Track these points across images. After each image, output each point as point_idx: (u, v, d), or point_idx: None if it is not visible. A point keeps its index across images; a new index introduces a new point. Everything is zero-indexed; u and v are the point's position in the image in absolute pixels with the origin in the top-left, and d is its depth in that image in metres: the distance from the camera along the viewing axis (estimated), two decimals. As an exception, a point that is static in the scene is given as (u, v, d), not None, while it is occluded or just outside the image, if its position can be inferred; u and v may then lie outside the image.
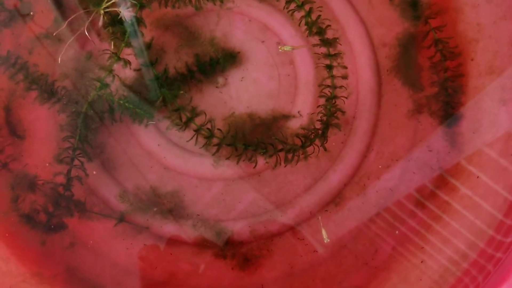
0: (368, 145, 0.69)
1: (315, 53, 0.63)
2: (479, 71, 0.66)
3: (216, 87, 0.69)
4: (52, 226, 0.61)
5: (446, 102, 0.68)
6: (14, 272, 0.59)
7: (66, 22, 0.61)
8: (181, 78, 0.67)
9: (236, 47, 0.70)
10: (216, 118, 0.66)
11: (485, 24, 0.66)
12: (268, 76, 0.70)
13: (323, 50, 0.60)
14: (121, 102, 0.62)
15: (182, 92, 0.64)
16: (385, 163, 0.68)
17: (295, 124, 0.69)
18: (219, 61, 0.69)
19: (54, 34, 0.62)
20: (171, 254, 0.65)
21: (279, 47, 0.64)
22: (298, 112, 0.69)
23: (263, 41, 0.71)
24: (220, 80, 0.69)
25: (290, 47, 0.63)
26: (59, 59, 0.61)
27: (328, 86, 0.60)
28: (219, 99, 0.69)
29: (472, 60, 0.67)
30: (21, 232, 0.61)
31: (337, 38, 0.61)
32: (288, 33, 0.70)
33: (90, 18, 0.60)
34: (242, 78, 0.70)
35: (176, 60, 0.68)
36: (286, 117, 0.69)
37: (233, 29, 0.70)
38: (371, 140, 0.69)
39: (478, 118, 0.66)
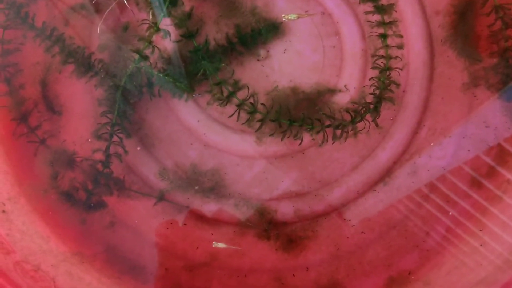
0: (419, 121, 0.66)
1: (368, 21, 0.59)
2: None
3: (258, 59, 0.66)
4: (92, 204, 0.61)
5: (507, 74, 0.64)
6: (55, 251, 0.58)
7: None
8: (222, 50, 0.64)
9: (278, 17, 0.67)
10: (258, 92, 0.63)
11: None
12: (312, 48, 0.67)
13: (375, 17, 0.56)
14: (161, 75, 0.59)
15: (223, 64, 0.61)
16: (437, 140, 0.65)
17: (340, 99, 0.65)
18: (261, 32, 0.66)
19: (93, 2, 0.59)
20: (212, 234, 0.63)
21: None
22: (345, 86, 0.66)
23: (306, 11, 0.67)
24: (262, 52, 0.66)
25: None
26: (99, 28, 0.58)
27: (382, 56, 0.56)
28: (261, 72, 0.66)
29: None
30: (60, 210, 0.61)
31: (393, 4, 0.56)
32: (333, 2, 0.66)
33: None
34: (285, 50, 0.66)
35: (216, 31, 0.65)
36: (332, 91, 0.66)
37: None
38: (423, 115, 0.66)
39: None
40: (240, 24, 0.66)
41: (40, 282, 0.55)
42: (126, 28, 0.62)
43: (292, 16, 0.60)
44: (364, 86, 0.61)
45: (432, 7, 0.68)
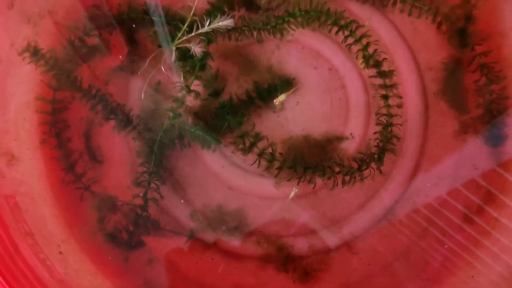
0: (417, 164, 0.73)
1: (372, 84, 0.68)
2: None
3: (274, 111, 0.74)
4: (133, 244, 0.68)
5: (491, 123, 0.72)
6: (102, 285, 0.66)
7: (148, 60, 0.67)
8: (242, 104, 0.73)
9: (291, 74, 0.75)
10: (275, 141, 0.71)
11: None
12: (321, 100, 0.75)
13: (379, 81, 0.65)
14: (191, 129, 0.68)
15: (245, 118, 0.70)
16: (433, 181, 0.72)
17: (347, 145, 0.74)
18: (276, 87, 0.74)
19: (139, 73, 0.68)
20: (236, 267, 0.71)
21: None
22: (351, 134, 0.74)
23: (315, 67, 0.76)
24: (278, 105, 0.75)
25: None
26: (143, 94, 0.67)
27: (385, 114, 0.65)
28: (276, 122, 0.74)
29: None
30: (106, 250, 0.67)
31: (394, 70, 0.65)
32: (339, 59, 0.75)
33: (165, 55, 0.66)
34: (297, 102, 0.75)
35: (237, 87, 0.73)
36: (339, 138, 0.74)
37: (288, 56, 0.76)
38: (419, 159, 0.73)
39: None
40: (258, 81, 0.74)
41: None
42: (158, 86, 0.71)
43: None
44: (369, 139, 0.70)
45: (426, 63, 0.76)
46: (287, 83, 0.75)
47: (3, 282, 0.49)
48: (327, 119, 0.74)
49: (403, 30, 0.76)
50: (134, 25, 0.70)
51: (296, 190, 0.71)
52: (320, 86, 0.75)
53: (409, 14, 0.71)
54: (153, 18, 0.69)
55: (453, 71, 0.73)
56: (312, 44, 0.75)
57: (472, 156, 0.72)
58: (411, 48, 0.76)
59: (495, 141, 0.72)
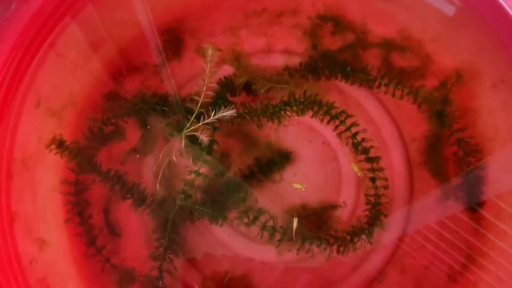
0: (404, 229, 0.80)
1: (362, 169, 0.76)
2: (498, 166, 0.76)
3: (273, 183, 0.82)
4: None
5: (470, 191, 0.80)
6: None
7: (164, 149, 0.75)
8: (245, 179, 0.81)
9: (288, 148, 0.83)
10: (275, 210, 0.79)
11: (501, 126, 0.76)
12: (316, 171, 0.82)
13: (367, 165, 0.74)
14: (201, 208, 0.76)
15: (248, 194, 0.78)
16: (419, 244, 0.79)
17: (341, 213, 0.81)
18: (276, 162, 0.82)
19: (154, 168, 0.77)
20: None
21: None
22: (343, 202, 0.82)
23: (310, 141, 0.84)
24: (277, 177, 0.83)
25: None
26: (158, 185, 0.75)
27: (372, 195, 0.73)
28: (276, 193, 0.82)
29: (491, 155, 0.77)
30: None
31: (379, 156, 0.73)
32: (330, 134, 0.83)
33: (177, 144, 0.75)
34: (295, 174, 0.82)
35: (240, 163, 0.81)
36: (333, 206, 0.82)
37: (285, 132, 0.84)
38: (406, 224, 0.80)
39: (498, 207, 0.76)
40: (258, 156, 0.81)
41: None
42: (170, 170, 0.79)
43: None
44: (359, 216, 0.78)
45: (409, 135, 0.83)
46: (285, 157, 0.83)
47: None
48: (322, 189, 0.82)
49: (388, 106, 0.84)
50: (146, 115, 0.78)
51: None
52: (315, 159, 0.83)
53: (393, 96, 0.79)
54: (164, 108, 0.77)
55: (434, 144, 0.81)
56: (307, 120, 0.83)
57: (454, 221, 0.78)
58: (396, 121, 0.84)
59: (474, 207, 0.78)
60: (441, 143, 0.81)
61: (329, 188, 0.82)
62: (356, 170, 0.77)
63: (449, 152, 0.80)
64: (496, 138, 0.78)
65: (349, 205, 0.81)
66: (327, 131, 0.83)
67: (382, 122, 0.84)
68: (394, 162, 0.83)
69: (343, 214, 0.81)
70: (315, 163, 0.83)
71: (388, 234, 0.81)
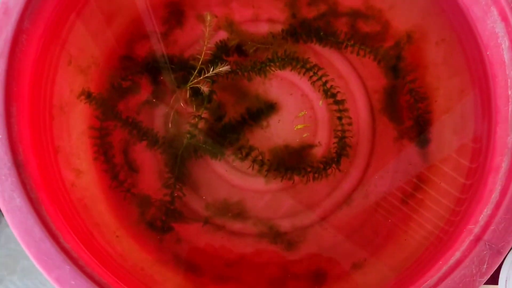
0: (367, 163, 0.95)
1: (330, 110, 0.95)
2: (441, 110, 0.92)
3: (261, 128, 0.98)
4: (165, 229, 0.90)
5: (419, 131, 0.94)
6: (145, 259, 0.88)
7: (173, 99, 0.93)
8: (239, 124, 0.98)
9: (273, 99, 0.98)
10: (264, 150, 0.98)
11: (443, 77, 0.93)
12: (296, 118, 1.02)
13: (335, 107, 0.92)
14: (203, 146, 0.94)
15: (241, 136, 0.97)
16: (380, 174, 0.94)
17: (316, 151, 0.98)
18: (263, 111, 1.00)
19: (167, 110, 0.95)
20: (240, 242, 0.95)
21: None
22: (318, 142, 1.00)
23: (291, 94, 1.01)
24: (264, 123, 0.99)
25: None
26: (169, 124, 0.93)
27: (339, 130, 0.92)
28: (264, 136, 0.96)
29: (436, 101, 0.93)
30: (147, 234, 0.88)
31: (344, 99, 0.92)
32: (308, 87, 1.01)
33: (182, 93, 0.92)
34: (279, 120, 0.97)
35: (234, 112, 0.97)
36: (310, 146, 0.98)
37: (270, 87, 1.01)
38: (369, 159, 0.95)
39: (440, 142, 0.93)
40: (249, 106, 0.97)
41: (144, 277, 0.88)
42: (176, 116, 0.97)
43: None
44: (330, 148, 0.97)
45: (372, 88, 0.96)
46: (270, 107, 1.01)
47: (90, 255, 0.75)
48: (301, 132, 1.00)
49: (355, 64, 1.01)
50: (157, 72, 0.96)
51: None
52: (295, 108, 0.98)
53: (357, 55, 0.97)
54: (171, 66, 0.95)
55: (391, 94, 0.99)
56: (288, 77, 0.99)
57: (407, 155, 0.92)
58: (361, 77, 1.01)
59: (422, 144, 0.94)
60: (397, 93, 0.98)
61: (307, 131, 1.00)
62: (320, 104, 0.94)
63: (403, 100, 0.92)
64: (439, 87, 0.94)
65: (323, 144, 0.99)
66: (305, 85, 1.00)
67: (350, 77, 1.01)
68: (360, 110, 1.00)
69: (318, 151, 0.99)
70: (295, 111, 1.00)
71: (354, 167, 0.99)
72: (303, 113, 0.94)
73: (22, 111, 0.75)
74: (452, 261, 0.72)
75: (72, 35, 0.90)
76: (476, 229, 0.74)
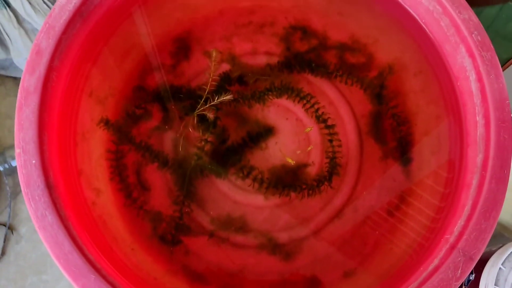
0: (356, 180, 0.99)
1: (322, 133, 1.06)
2: (420, 132, 0.99)
3: (261, 149, 1.01)
4: (175, 242, 0.98)
5: (402, 151, 1.02)
6: (156, 269, 0.96)
7: (182, 125, 1.04)
8: (240, 147, 1.08)
9: (271, 124, 1.08)
10: (263, 169, 1.08)
11: (421, 104, 1.02)
12: (291, 140, 1.04)
13: (326, 131, 1.03)
14: (209, 167, 1.05)
15: (242, 157, 1.07)
16: (368, 190, 0.98)
17: (310, 170, 1.09)
18: (262, 134, 1.10)
19: (178, 135, 1.06)
20: (242, 254, 1.05)
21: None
22: (312, 162, 1.10)
23: (287, 118, 1.05)
24: (263, 145, 1.02)
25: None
26: (180, 148, 1.04)
27: (330, 151, 1.03)
28: (263, 157, 1.03)
29: (416, 125, 0.98)
30: (159, 247, 0.95)
31: (335, 124, 1.03)
32: (302, 113, 1.11)
33: (190, 120, 1.03)
34: (276, 142, 1.01)
35: (236, 136, 1.06)
36: (305, 165, 1.08)
37: (268, 113, 1.12)
38: (358, 176, 1.00)
39: (421, 161, 1.01)
40: (249, 130, 1.06)
41: (157, 286, 0.97)
42: (182, 139, 1.08)
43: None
44: (322, 168, 1.08)
45: (359, 112, 1.05)
46: (268, 131, 1.11)
47: (111, 266, 0.85)
48: (296, 153, 1.09)
49: (343, 92, 1.13)
50: (166, 100, 1.07)
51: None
52: (291, 131, 1.06)
53: (345, 83, 1.09)
54: (180, 95, 1.06)
55: (376, 118, 1.09)
56: (284, 104, 1.09)
57: (391, 173, 0.98)
58: (349, 103, 1.11)
59: (405, 163, 0.98)
60: (381, 117, 1.06)
61: (302, 152, 1.10)
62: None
63: (387, 124, 0.99)
64: (418, 112, 1.02)
65: (316, 163, 1.10)
66: (299, 111, 1.11)
67: (339, 104, 1.11)
68: (348, 132, 1.10)
69: (312, 170, 1.09)
70: (291, 134, 1.03)
71: (345, 184, 1.09)
72: (309, 128, 1.04)
73: (51, 139, 0.85)
74: (431, 267, 0.83)
75: (94, 70, 1.01)
76: (452, 239, 0.84)
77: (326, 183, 1.01)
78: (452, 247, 0.83)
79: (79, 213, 0.86)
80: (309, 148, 1.04)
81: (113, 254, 0.90)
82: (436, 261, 0.83)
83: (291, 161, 1.02)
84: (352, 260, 0.97)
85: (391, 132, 1.02)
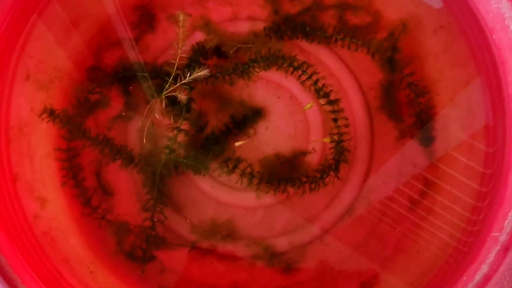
0: (368, 167, 0.89)
1: (324, 111, 0.86)
2: (444, 103, 0.86)
3: (248, 136, 0.89)
4: (146, 258, 0.81)
5: (422, 128, 0.88)
6: None
7: (146, 109, 0.83)
8: (223, 134, 0.88)
9: (259, 104, 0.90)
10: (252, 161, 0.88)
11: (444, 69, 0.86)
12: (286, 123, 0.90)
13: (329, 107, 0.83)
14: (185, 161, 0.84)
15: (226, 146, 0.87)
16: (382, 179, 0.88)
17: (311, 159, 0.89)
18: (249, 117, 0.90)
19: (140, 124, 0.85)
20: (232, 267, 0.87)
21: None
22: (312, 148, 0.91)
23: (279, 97, 0.92)
24: (251, 131, 0.89)
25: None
26: (144, 139, 0.83)
27: (336, 133, 0.83)
28: (252, 146, 0.89)
29: (438, 95, 0.87)
30: (126, 265, 0.81)
31: (339, 98, 0.83)
32: (297, 89, 0.91)
33: (157, 104, 0.83)
34: (267, 127, 0.89)
35: (217, 121, 0.88)
36: (304, 153, 0.89)
37: (255, 90, 0.92)
38: (370, 163, 0.89)
39: (447, 139, 0.86)
40: (233, 114, 0.88)
41: None
42: (152, 127, 0.87)
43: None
44: (326, 154, 0.87)
45: (366, 84, 0.90)
46: (256, 113, 0.91)
47: None
48: (292, 138, 0.89)
49: (346, 60, 0.92)
50: (128, 81, 0.86)
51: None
52: (284, 112, 0.90)
53: (348, 48, 0.88)
54: (144, 74, 0.85)
55: (389, 89, 0.90)
56: (274, 78, 0.90)
57: (411, 156, 0.88)
58: (354, 73, 0.92)
59: (427, 142, 0.88)
60: (395, 88, 0.90)
61: (299, 137, 0.90)
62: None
63: (402, 96, 0.88)
64: (441, 79, 0.87)
65: (318, 150, 0.90)
66: (293, 86, 0.91)
67: (342, 75, 0.92)
68: (355, 110, 0.91)
69: (312, 159, 0.90)
70: (285, 115, 0.91)
71: (354, 173, 0.90)
72: (310, 104, 0.86)
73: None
74: (478, 276, 0.63)
75: (28, 48, 0.80)
76: (502, 237, 0.64)
77: (331, 173, 0.82)
78: (505, 248, 0.62)
79: (12, 232, 0.65)
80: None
81: (63, 283, 0.69)
82: (484, 268, 0.62)
83: (327, 140, 0.84)
84: (370, 267, 0.86)
85: (408, 105, 0.88)
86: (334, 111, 0.82)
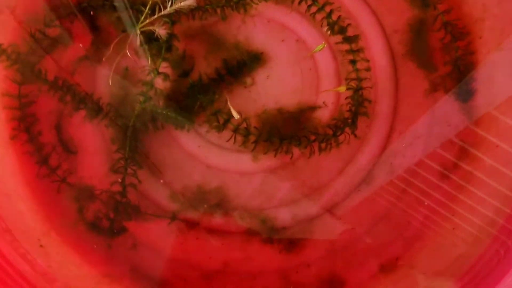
0: (391, 126, 0.76)
1: (339, 51, 0.70)
2: (488, 48, 0.73)
3: (245, 87, 0.75)
4: (115, 231, 0.70)
5: (460, 79, 0.74)
6: (88, 275, 0.67)
7: (112, 45, 0.67)
8: (213, 82, 0.74)
9: (259, 48, 0.76)
10: (249, 116, 0.73)
11: (490, 4, 0.73)
12: (291, 72, 0.76)
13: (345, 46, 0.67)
14: (164, 112, 0.69)
15: (216, 96, 0.71)
16: (408, 141, 0.75)
17: (321, 114, 0.75)
18: (245, 63, 0.75)
19: (104, 60, 0.69)
20: (222, 244, 0.73)
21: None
22: (323, 102, 0.76)
23: (283, 40, 0.77)
24: (248, 80, 0.76)
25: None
26: (110, 81, 0.67)
27: (354, 79, 0.67)
28: (249, 98, 0.75)
29: (480, 38, 0.74)
30: (89, 239, 0.69)
31: (358, 35, 0.67)
32: (305, 30, 0.76)
33: (129, 39, 0.67)
34: (268, 76, 0.76)
35: (206, 66, 0.74)
36: (312, 108, 0.76)
37: (254, 31, 0.77)
38: (393, 121, 0.76)
39: (491, 92, 0.74)
40: (226, 58, 0.75)
41: None
42: (126, 72, 0.71)
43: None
44: (341, 105, 0.72)
45: (391, 26, 0.77)
46: (255, 58, 0.76)
47: None
48: (298, 90, 0.76)
49: None
50: (95, 12, 0.70)
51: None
52: (289, 58, 0.77)
53: (370, -21, 0.73)
54: (114, 3, 0.69)
55: (419, 32, 0.76)
56: (277, 17, 0.76)
57: (444, 113, 0.75)
58: (375, 13, 0.78)
59: (465, 96, 0.75)
60: (426, 29, 0.75)
61: (306, 89, 0.77)
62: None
63: (435, 39, 0.75)
64: (485, 18, 0.74)
65: (330, 105, 0.76)
66: (301, 28, 0.76)
67: (360, 14, 0.78)
68: (376, 57, 0.77)
69: (323, 114, 0.75)
70: (290, 63, 0.77)
71: (374, 132, 0.76)
72: (322, 46, 0.70)
73: None
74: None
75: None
76: None
77: (347, 129, 0.66)
78: None
79: None
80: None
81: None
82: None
83: (342, 89, 0.70)
84: (390, 248, 0.74)
85: (442, 51, 0.75)
86: (351, 51, 0.66)
